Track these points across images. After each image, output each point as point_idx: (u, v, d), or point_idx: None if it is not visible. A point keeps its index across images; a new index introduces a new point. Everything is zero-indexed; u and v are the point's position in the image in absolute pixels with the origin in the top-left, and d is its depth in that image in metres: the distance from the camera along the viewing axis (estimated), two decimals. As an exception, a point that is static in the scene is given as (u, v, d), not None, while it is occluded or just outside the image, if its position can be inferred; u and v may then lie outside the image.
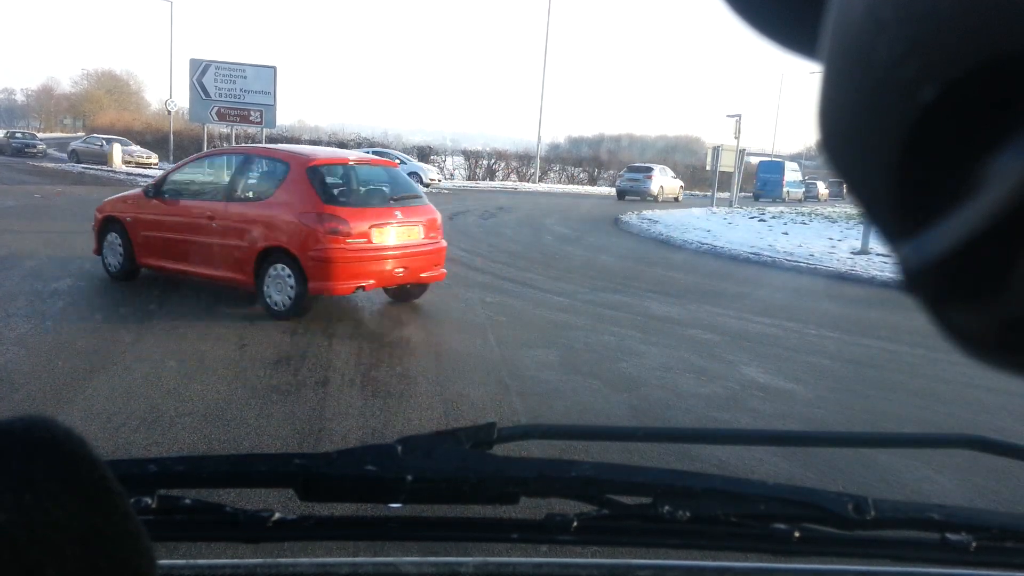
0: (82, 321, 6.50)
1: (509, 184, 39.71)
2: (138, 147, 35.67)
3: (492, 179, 41.53)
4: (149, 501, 0.76)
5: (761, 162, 43.95)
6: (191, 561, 0.88)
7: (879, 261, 12.59)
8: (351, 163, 7.76)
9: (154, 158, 34.42)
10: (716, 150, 26.06)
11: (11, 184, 21.09)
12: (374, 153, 31.40)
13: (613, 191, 40.47)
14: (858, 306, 9.66)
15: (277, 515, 0.80)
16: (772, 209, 26.69)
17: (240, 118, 25.40)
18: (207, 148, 24.62)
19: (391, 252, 7.15)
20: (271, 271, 6.97)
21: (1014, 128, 0.18)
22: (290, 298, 6.88)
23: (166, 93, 39.17)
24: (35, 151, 37.01)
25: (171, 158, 30.26)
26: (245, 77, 25.19)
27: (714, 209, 24.77)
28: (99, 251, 8.45)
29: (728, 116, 26.74)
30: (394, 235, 7.20)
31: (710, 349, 6.61)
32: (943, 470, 4.04)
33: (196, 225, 7.50)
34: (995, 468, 3.95)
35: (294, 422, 4.33)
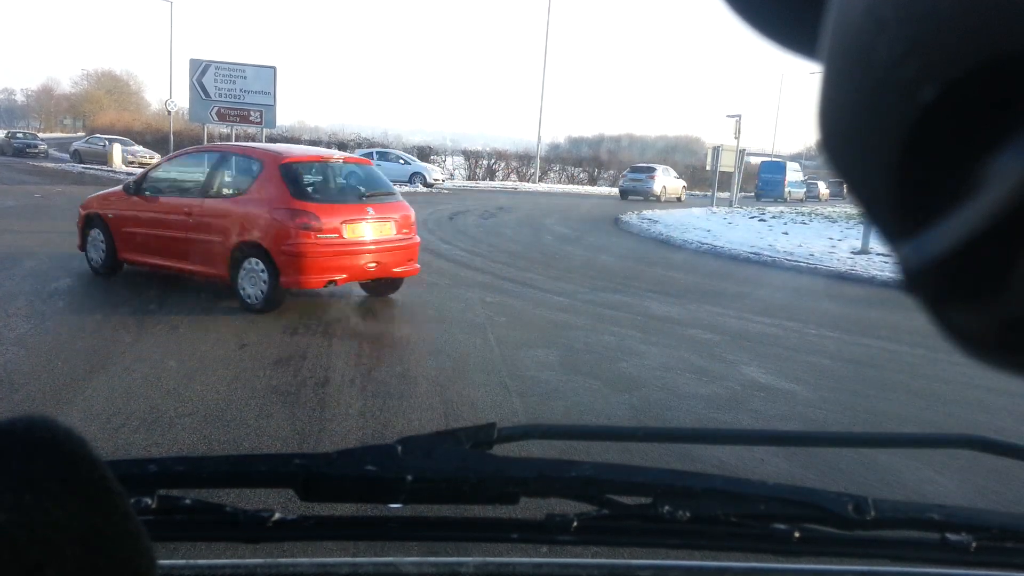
0: (81, 321, 6.50)
1: (509, 184, 39.71)
2: (140, 147, 35.63)
3: (492, 179, 41.53)
4: (149, 501, 0.76)
5: (763, 162, 44.00)
6: (191, 561, 0.88)
7: (879, 261, 12.59)
8: (324, 161, 7.90)
9: (157, 158, 34.39)
10: (716, 150, 26.07)
11: (11, 184, 21.10)
12: (378, 154, 31.48)
13: (613, 191, 40.53)
14: (858, 306, 9.66)
15: (277, 515, 0.80)
16: (772, 209, 26.69)
17: (240, 118, 25.40)
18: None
19: (363, 247, 7.32)
20: (245, 265, 7.16)
21: (1014, 128, 0.18)
22: (263, 292, 7.07)
23: (166, 93, 39.20)
24: (37, 151, 36.99)
25: (171, 158, 30.19)
26: (245, 77, 25.19)
27: (714, 209, 24.77)
28: (83, 247, 8.67)
29: (728, 116, 26.76)
30: (366, 231, 7.37)
31: (710, 349, 6.61)
32: (944, 471, 4.04)
33: (174, 221, 7.70)
34: (996, 469, 3.95)
35: (294, 423, 4.33)
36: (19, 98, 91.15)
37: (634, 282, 10.25)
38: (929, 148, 0.20)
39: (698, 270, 12.29)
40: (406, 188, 29.15)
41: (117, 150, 33.16)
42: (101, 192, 9.05)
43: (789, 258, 13.29)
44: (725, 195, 29.57)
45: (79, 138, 40.94)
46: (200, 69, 24.66)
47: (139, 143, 37.08)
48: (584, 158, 51.70)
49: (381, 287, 8.02)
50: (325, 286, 7.22)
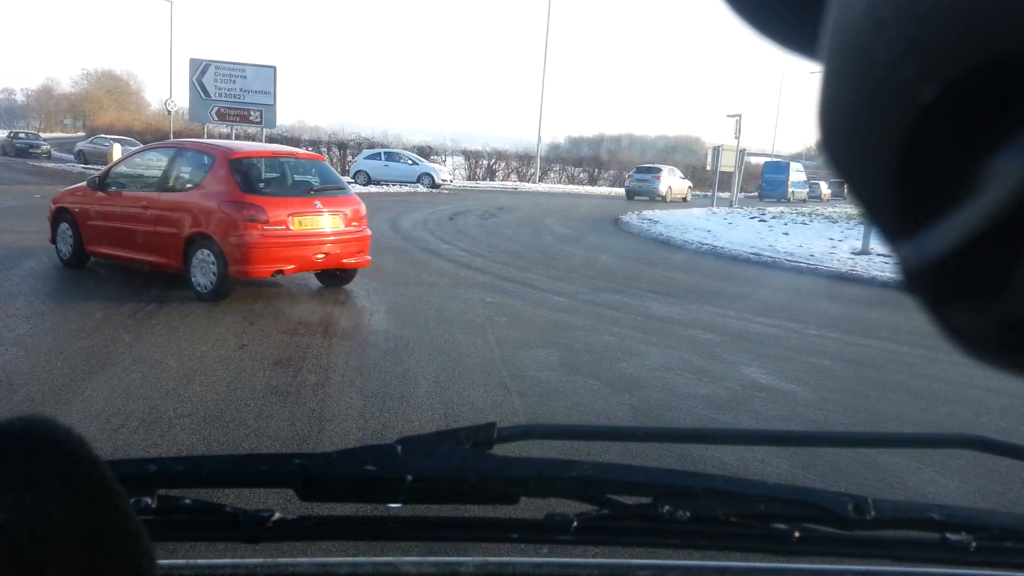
0: (81, 321, 6.50)
1: (509, 184, 39.71)
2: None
3: (492, 179, 41.53)
4: (149, 501, 0.76)
5: (766, 163, 44.07)
6: (191, 561, 0.88)
7: (880, 261, 12.59)
8: (274, 156, 8.35)
9: None
10: (716, 150, 26.07)
11: (11, 184, 21.10)
12: (386, 155, 31.49)
13: (613, 191, 40.58)
14: (859, 306, 9.66)
15: (277, 515, 0.80)
16: (772, 209, 26.69)
17: (240, 118, 25.42)
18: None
19: (310, 239, 7.67)
20: (197, 256, 7.52)
21: (1014, 128, 0.18)
22: (212, 282, 7.41)
23: (166, 93, 39.19)
24: (39, 152, 36.98)
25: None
26: (245, 77, 25.20)
27: (714, 209, 24.77)
28: (53, 240, 9.07)
29: (728, 116, 26.75)
30: (314, 223, 7.72)
31: (710, 350, 6.61)
32: (946, 472, 4.04)
33: (133, 214, 8.11)
34: (998, 470, 3.95)
35: (294, 423, 4.33)
36: (19, 98, 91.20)
37: (634, 282, 10.25)
38: (929, 148, 0.20)
39: (698, 270, 12.29)
40: (412, 188, 29.17)
41: (117, 150, 33.13)
42: (70, 187, 9.45)
43: (789, 258, 13.29)
44: (726, 195, 29.57)
45: (79, 138, 40.96)
46: (200, 69, 24.67)
47: (141, 143, 37.07)
48: (584, 158, 51.69)
49: (334, 278, 8.40)
50: (272, 275, 7.58)
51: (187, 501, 0.79)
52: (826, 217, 22.73)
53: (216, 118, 25.23)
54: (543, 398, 5.05)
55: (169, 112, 33.77)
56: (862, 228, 15.26)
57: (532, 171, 42.15)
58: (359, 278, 9.07)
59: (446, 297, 8.33)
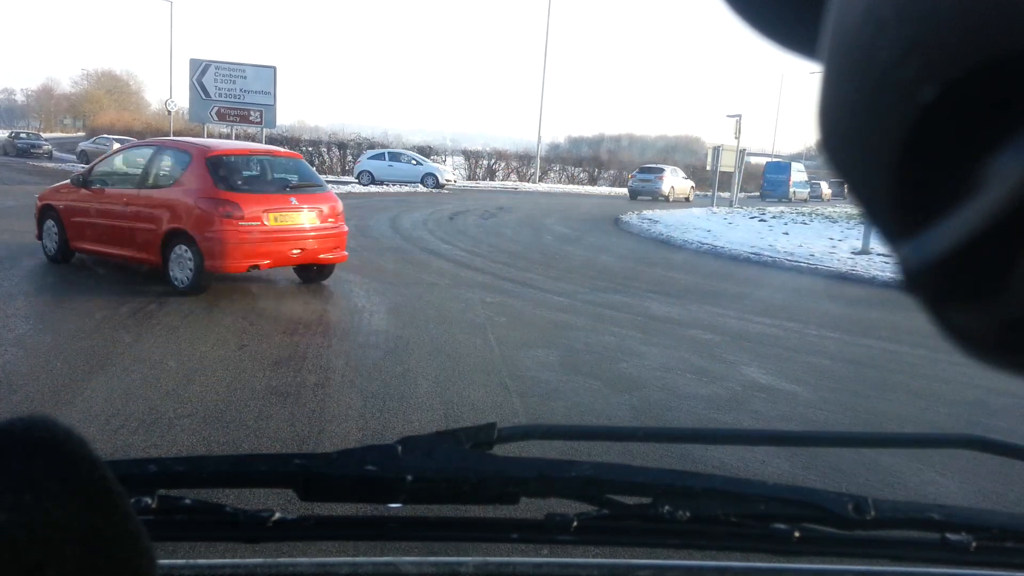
0: (81, 321, 6.50)
1: (509, 184, 39.71)
2: None
3: (492, 179, 41.53)
4: (149, 501, 0.76)
5: (768, 163, 44.15)
6: (191, 561, 0.88)
7: (880, 261, 12.59)
8: (251, 154, 8.54)
9: None
10: (716, 150, 26.06)
11: (11, 184, 21.11)
12: (390, 155, 31.51)
13: (613, 191, 40.61)
14: (859, 306, 9.66)
15: (277, 515, 0.80)
16: (772, 209, 26.70)
17: (240, 118, 25.41)
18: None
19: (286, 235, 7.87)
20: (175, 251, 7.73)
21: (1014, 128, 0.18)
22: (189, 276, 7.62)
23: (166, 93, 39.21)
24: (40, 152, 36.96)
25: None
26: (245, 77, 25.20)
27: (714, 209, 24.77)
28: (39, 236, 9.27)
29: (728, 116, 26.75)
30: (289, 219, 7.93)
31: (711, 350, 6.61)
32: (946, 472, 4.03)
33: (115, 211, 8.31)
34: (999, 470, 3.95)
35: (294, 424, 4.33)
36: (19, 98, 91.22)
37: (634, 282, 10.25)
38: (929, 148, 0.20)
39: (698, 270, 12.29)
40: (415, 188, 29.17)
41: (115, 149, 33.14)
42: (56, 184, 9.66)
43: (789, 258, 13.29)
44: (726, 195, 29.57)
45: (79, 138, 40.96)
46: (200, 69, 24.67)
47: (141, 143, 36.98)
48: (584, 158, 51.69)
49: (312, 274, 8.62)
50: (248, 270, 7.78)
51: (187, 501, 0.79)
52: (826, 217, 22.73)
53: (216, 118, 25.23)
54: (543, 398, 5.05)
55: (169, 112, 33.77)
56: (862, 228, 15.26)
57: (532, 171, 42.15)
58: (358, 278, 9.07)
59: (446, 297, 8.33)
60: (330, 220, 8.31)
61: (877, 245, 13.36)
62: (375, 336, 6.43)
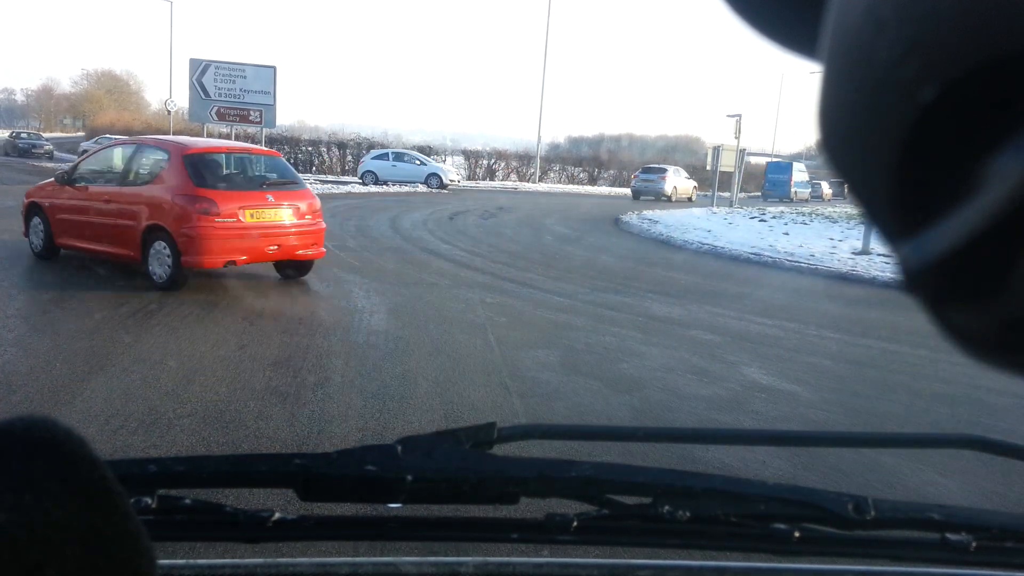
0: (80, 321, 6.50)
1: (509, 184, 39.72)
2: None
3: (492, 179, 41.54)
4: (149, 501, 0.76)
5: (770, 163, 44.24)
6: (191, 561, 0.88)
7: (880, 261, 12.59)
8: (229, 152, 8.77)
9: None
10: (716, 150, 26.06)
11: (11, 184, 21.09)
12: (393, 155, 31.57)
13: (613, 191, 40.66)
14: (859, 306, 9.65)
15: (277, 515, 0.80)
16: (772, 209, 26.70)
17: (240, 118, 25.40)
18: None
19: (262, 231, 8.04)
20: (154, 247, 7.92)
21: (1014, 128, 0.18)
22: (167, 272, 7.81)
23: (166, 93, 39.21)
24: (42, 152, 36.95)
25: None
26: (245, 77, 25.19)
27: (714, 209, 24.77)
28: (26, 233, 9.47)
29: (728, 116, 26.75)
30: (265, 216, 8.09)
31: (711, 350, 6.61)
32: (947, 473, 4.03)
33: (97, 208, 8.50)
34: (1000, 471, 3.95)
35: (293, 424, 4.33)
36: (19, 98, 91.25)
37: (634, 283, 10.25)
38: (929, 148, 0.20)
39: (698, 271, 12.29)
40: (417, 188, 29.18)
41: (115, 150, 33.08)
42: (42, 182, 9.84)
43: (790, 259, 13.29)
44: (726, 195, 29.57)
45: (80, 138, 40.98)
46: (200, 69, 24.66)
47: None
48: (584, 158, 51.71)
49: (291, 270, 8.85)
50: (224, 266, 7.92)
51: (187, 501, 0.79)
52: (826, 217, 22.72)
53: (216, 118, 25.22)
54: (543, 399, 5.05)
55: (169, 112, 33.77)
56: (862, 228, 15.26)
57: (532, 171, 42.15)
58: (358, 278, 9.07)
59: (446, 297, 8.33)
60: (307, 217, 8.48)
61: (877, 245, 13.35)
62: (375, 336, 6.43)
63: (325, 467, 0.77)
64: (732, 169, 26.88)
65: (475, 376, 5.42)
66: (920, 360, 6.56)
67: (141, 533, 0.38)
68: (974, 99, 0.19)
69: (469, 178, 40.24)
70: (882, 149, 0.21)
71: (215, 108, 24.92)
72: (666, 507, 0.78)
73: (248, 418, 4.37)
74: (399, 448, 0.78)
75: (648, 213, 22.33)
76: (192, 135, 24.31)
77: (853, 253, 13.78)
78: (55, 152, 38.30)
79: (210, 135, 28.29)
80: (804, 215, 23.42)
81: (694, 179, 36.10)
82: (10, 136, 39.12)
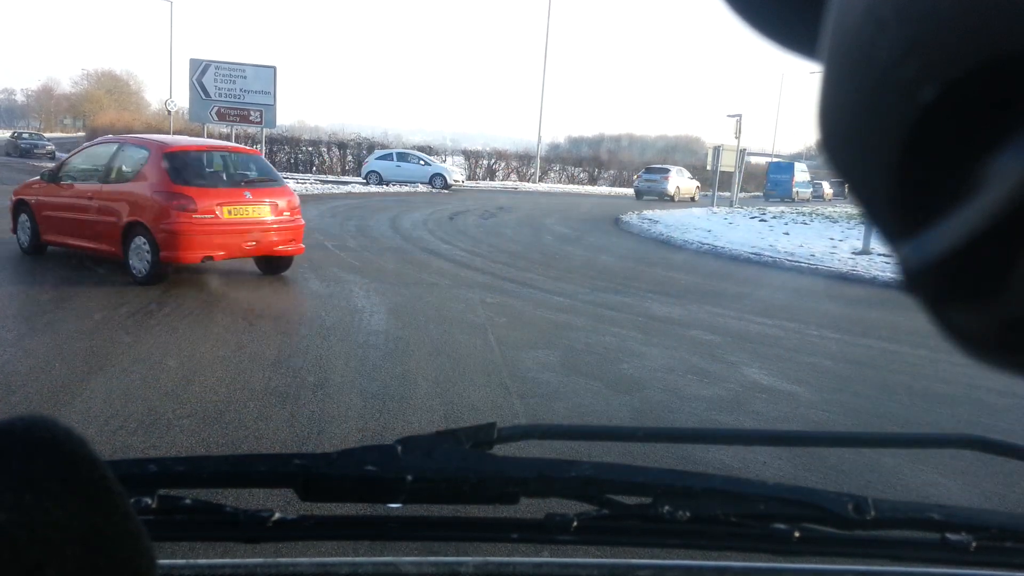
0: (80, 321, 6.50)
1: (509, 184, 39.72)
2: None
3: (492, 179, 41.54)
4: (149, 501, 0.76)
5: (771, 163, 44.34)
6: (191, 561, 0.88)
7: (880, 261, 12.59)
8: (208, 150, 8.99)
9: None
10: (716, 150, 26.06)
11: (11, 184, 21.08)
12: (398, 155, 31.63)
13: (613, 191, 40.72)
14: (859, 306, 9.65)
15: (277, 515, 0.80)
16: (773, 209, 26.70)
17: (240, 118, 25.38)
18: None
19: (240, 227, 8.26)
20: (134, 242, 8.13)
21: (1014, 128, 0.18)
22: (147, 267, 8.02)
23: (166, 93, 39.22)
24: (43, 152, 36.94)
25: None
26: (245, 77, 25.17)
27: (715, 209, 24.77)
28: (14, 230, 9.70)
29: (728, 116, 26.75)
30: (243, 212, 8.32)
31: (711, 350, 6.61)
32: (948, 473, 4.03)
33: (81, 205, 8.73)
34: (1001, 471, 3.94)
35: (293, 425, 4.33)
36: (19, 98, 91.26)
37: (634, 283, 10.25)
38: (929, 148, 0.20)
39: (699, 271, 12.29)
40: (422, 188, 29.18)
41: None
42: (29, 180, 10.09)
43: (790, 259, 13.28)
44: (727, 195, 29.57)
45: (80, 138, 40.94)
46: (200, 69, 24.65)
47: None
48: (584, 158, 51.71)
49: (271, 266, 9.06)
50: (202, 261, 8.15)
51: (187, 501, 0.78)
52: (827, 217, 22.72)
53: (216, 118, 25.19)
54: (544, 399, 5.05)
55: (169, 112, 33.76)
56: (863, 228, 15.26)
57: (532, 171, 42.15)
58: (358, 278, 9.07)
59: (446, 297, 8.33)
60: (286, 214, 8.70)
61: (878, 245, 13.35)
62: (375, 337, 6.43)
63: (325, 467, 0.77)
64: (732, 169, 26.88)
65: (475, 376, 5.42)
66: (920, 360, 6.56)
67: (141, 533, 0.38)
68: (974, 99, 0.19)
69: (469, 178, 40.21)
70: (882, 149, 0.21)
71: (215, 108, 24.90)
72: (666, 507, 0.78)
73: (248, 419, 4.36)
74: (399, 448, 0.78)
75: (648, 213, 22.32)
76: (192, 135, 24.32)
77: (853, 253, 13.78)
78: (57, 152, 38.29)
79: (210, 135, 28.29)
80: (804, 215, 23.43)
81: (696, 179, 36.23)
82: (12, 136, 39.16)
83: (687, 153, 63.53)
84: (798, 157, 56.71)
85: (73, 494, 0.36)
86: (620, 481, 0.80)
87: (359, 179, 31.68)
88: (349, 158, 38.21)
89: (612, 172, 48.49)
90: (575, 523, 0.80)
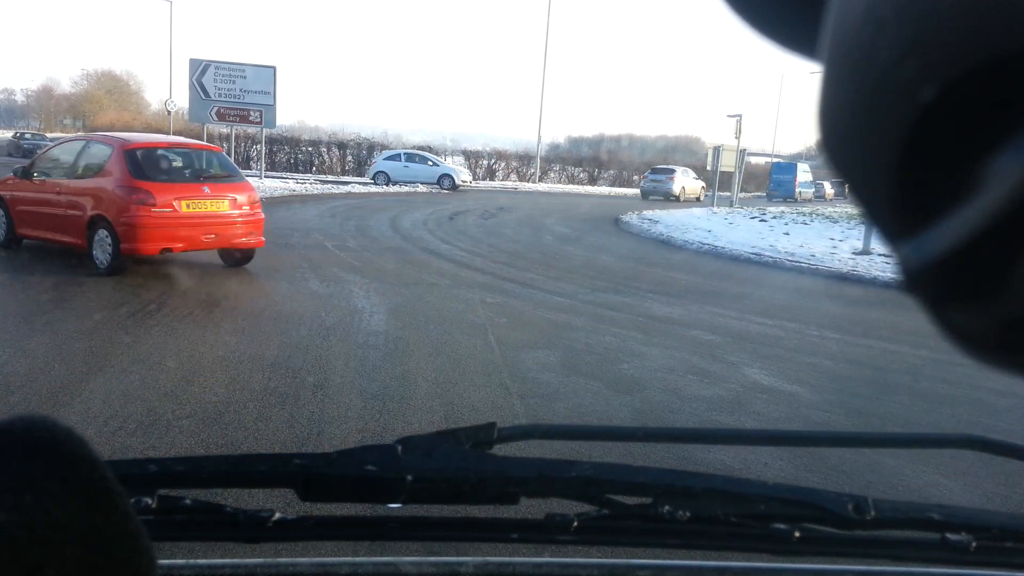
0: (79, 322, 6.50)
1: (509, 184, 39.73)
2: None
3: (492, 179, 41.54)
4: (149, 501, 0.75)
5: (774, 163, 44.51)
6: (191, 561, 0.88)
7: (881, 261, 12.59)
8: (169, 146, 9.32)
9: None
10: (716, 150, 26.06)
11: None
12: (406, 156, 31.79)
13: (613, 191, 40.81)
14: (860, 307, 9.65)
15: (277, 515, 0.80)
16: (773, 209, 26.70)
17: (240, 118, 25.36)
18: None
19: (198, 220, 8.61)
20: (97, 235, 8.49)
21: (1014, 128, 0.18)
22: (108, 258, 8.35)
23: (166, 93, 39.22)
24: None
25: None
26: (245, 77, 25.15)
27: (715, 209, 24.77)
28: None
29: (728, 116, 26.75)
30: (202, 206, 8.67)
31: (712, 350, 6.61)
32: (949, 474, 4.03)
33: (50, 199, 9.13)
34: (1003, 472, 3.94)
35: (293, 425, 4.33)
36: (19, 98, 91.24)
37: (635, 283, 10.25)
38: (929, 148, 0.20)
39: (699, 271, 12.29)
40: (416, 188, 29.18)
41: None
42: (3, 177, 10.46)
43: (790, 259, 13.28)
44: (727, 194, 29.58)
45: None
46: (200, 69, 24.63)
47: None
48: (584, 158, 51.74)
49: (234, 259, 9.40)
50: (160, 253, 8.51)
51: (187, 501, 0.78)
52: (827, 217, 22.72)
53: (216, 118, 25.18)
54: (544, 400, 5.05)
55: (169, 112, 33.76)
56: (863, 228, 15.26)
57: (532, 171, 42.16)
58: (358, 278, 9.08)
59: (446, 297, 8.33)
60: (245, 208, 9.05)
61: (878, 245, 13.35)
62: (375, 337, 6.43)
63: (325, 467, 0.77)
64: (732, 169, 26.88)
65: (475, 377, 5.42)
66: (921, 360, 6.56)
67: (141, 533, 0.38)
68: (974, 99, 0.19)
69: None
70: (882, 149, 0.21)
71: (215, 108, 24.89)
72: (666, 507, 0.78)
73: (247, 419, 4.36)
74: (399, 448, 0.78)
75: (648, 213, 22.33)
76: (192, 135, 24.31)
77: (854, 253, 13.78)
78: None
79: (210, 135, 28.27)
80: (805, 215, 23.43)
81: (701, 179, 36.44)
82: (14, 137, 39.18)
83: (687, 153, 63.56)
84: (798, 157, 56.72)
85: (73, 494, 0.36)
86: (620, 481, 0.80)
87: (359, 179, 31.67)
88: (349, 158, 38.23)
89: (612, 172, 48.51)
90: (575, 523, 0.80)
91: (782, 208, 28.20)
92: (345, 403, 4.71)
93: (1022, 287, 0.19)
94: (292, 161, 38.05)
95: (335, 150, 38.88)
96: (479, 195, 28.97)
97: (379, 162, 31.64)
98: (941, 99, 0.19)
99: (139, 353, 5.58)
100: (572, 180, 46.25)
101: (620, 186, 45.97)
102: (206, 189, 8.80)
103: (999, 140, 0.19)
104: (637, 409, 4.95)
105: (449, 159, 41.35)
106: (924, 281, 0.21)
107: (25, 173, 9.55)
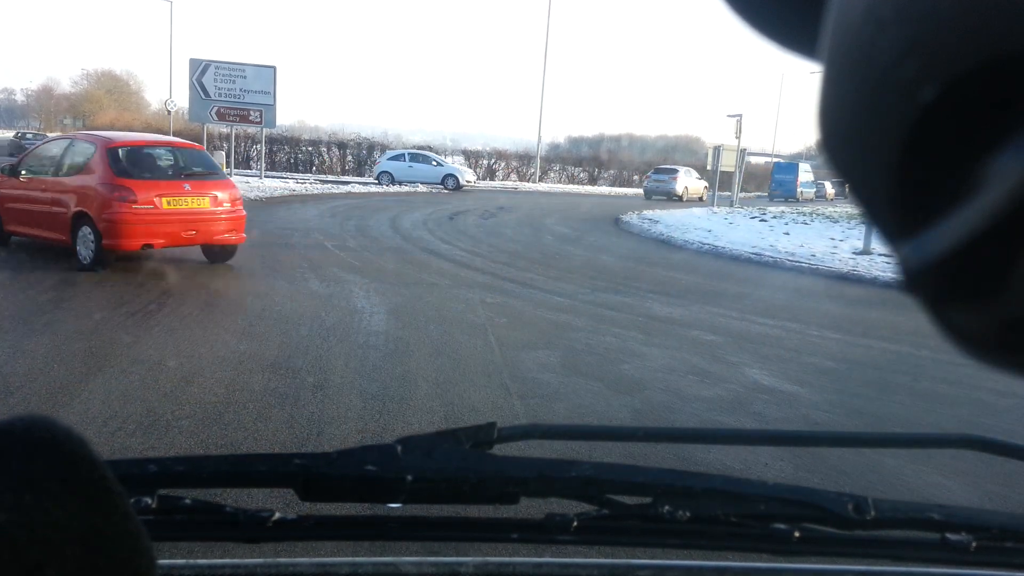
0: (79, 322, 6.50)
1: (509, 184, 39.74)
2: None
3: (492, 179, 41.55)
4: (149, 501, 0.75)
5: (776, 163, 44.58)
6: (191, 561, 0.88)
7: (881, 261, 12.59)
8: (152, 145, 9.64)
9: None
10: (717, 150, 26.06)
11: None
12: (410, 156, 31.84)
13: (613, 191, 40.86)
14: (860, 307, 9.65)
15: (277, 515, 0.80)
16: (773, 209, 26.70)
17: (240, 118, 25.38)
18: (206, 148, 24.57)
19: (178, 217, 8.81)
20: (80, 231, 8.70)
21: (1014, 128, 0.18)
22: (91, 254, 8.55)
23: (166, 93, 39.21)
24: None
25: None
26: (245, 77, 25.16)
27: (715, 209, 24.77)
28: None
29: (729, 116, 26.75)
30: (183, 203, 8.87)
31: (712, 350, 6.61)
32: (950, 474, 4.03)
33: (36, 197, 9.35)
34: (1003, 472, 3.94)
35: (292, 426, 4.33)
36: (19, 98, 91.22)
37: (635, 283, 10.25)
38: (929, 148, 0.20)
39: (699, 271, 12.28)
40: (416, 188, 29.19)
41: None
42: None
43: (791, 259, 13.28)
44: (727, 194, 29.59)
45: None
46: (200, 69, 24.64)
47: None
48: (584, 158, 51.76)
49: (215, 254, 9.57)
50: (141, 248, 8.73)
51: (187, 501, 0.78)
52: (827, 217, 22.72)
53: (216, 118, 25.19)
54: (544, 400, 5.05)
55: (169, 112, 33.75)
56: (863, 228, 15.26)
57: (532, 171, 42.17)
58: (358, 278, 9.08)
59: (446, 297, 8.33)
60: (226, 205, 9.25)
61: (878, 245, 13.35)
62: (375, 337, 6.43)
63: (325, 467, 0.77)
64: (732, 169, 26.89)
65: (475, 377, 5.42)
66: (922, 361, 6.56)
67: (141, 533, 0.38)
68: (974, 99, 0.19)
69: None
70: (882, 149, 0.21)
71: (215, 108, 24.90)
72: (666, 507, 0.78)
73: (247, 420, 4.36)
74: (399, 448, 0.78)
75: (648, 213, 22.33)
76: (192, 135, 24.31)
77: (854, 253, 13.78)
78: None
79: (210, 135, 28.29)
80: (805, 215, 23.43)
81: (704, 179, 36.55)
82: (15, 136, 39.19)
83: (687, 153, 63.58)
84: (798, 157, 56.70)
85: (73, 494, 0.36)
86: (620, 481, 0.80)
87: (359, 179, 31.67)
88: (349, 158, 38.23)
89: (612, 172, 48.53)
90: (575, 523, 0.80)
91: (782, 208, 28.21)
92: (345, 403, 4.71)
93: (1022, 287, 0.19)
94: (292, 161, 38.06)
95: (335, 150, 38.90)
96: (479, 195, 28.98)
97: (383, 162, 31.68)
98: (941, 99, 0.19)
99: (138, 353, 5.58)
100: (572, 180, 46.26)
101: (620, 186, 45.98)
102: (187, 187, 8.97)
103: (999, 140, 0.19)
104: (637, 409, 4.95)
105: (449, 159, 41.36)
106: (924, 281, 0.21)
107: (12, 171, 9.74)
